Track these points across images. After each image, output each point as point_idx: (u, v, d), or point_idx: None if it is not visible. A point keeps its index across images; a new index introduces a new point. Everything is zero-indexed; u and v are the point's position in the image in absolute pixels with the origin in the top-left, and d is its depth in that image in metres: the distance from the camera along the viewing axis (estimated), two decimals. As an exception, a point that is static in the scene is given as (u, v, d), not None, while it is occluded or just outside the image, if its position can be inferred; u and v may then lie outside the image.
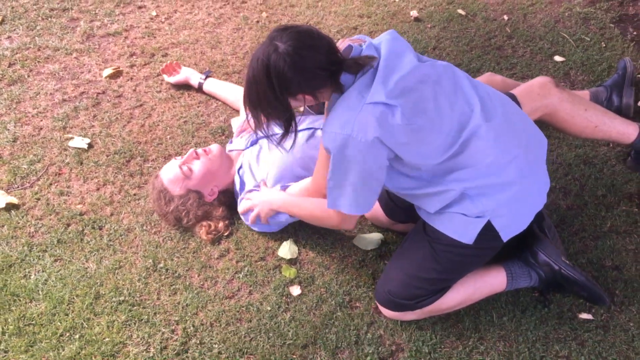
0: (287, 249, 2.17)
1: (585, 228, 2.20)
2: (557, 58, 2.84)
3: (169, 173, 2.22)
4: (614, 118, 2.18)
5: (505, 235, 1.77)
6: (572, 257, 2.10)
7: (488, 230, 1.74)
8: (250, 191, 2.23)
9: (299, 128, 2.27)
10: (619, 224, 2.20)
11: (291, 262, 2.15)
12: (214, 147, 2.31)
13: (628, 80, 2.49)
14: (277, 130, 1.78)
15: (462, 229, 1.76)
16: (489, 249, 1.86)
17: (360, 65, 1.64)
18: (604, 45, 2.87)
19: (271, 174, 2.20)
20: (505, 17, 3.09)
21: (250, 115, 1.71)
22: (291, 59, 1.55)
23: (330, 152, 1.68)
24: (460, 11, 3.15)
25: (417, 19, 3.13)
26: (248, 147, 2.34)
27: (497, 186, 1.72)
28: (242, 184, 2.28)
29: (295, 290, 2.06)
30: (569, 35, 2.95)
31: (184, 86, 2.83)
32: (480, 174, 1.71)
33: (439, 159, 1.68)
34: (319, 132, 2.25)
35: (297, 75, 1.57)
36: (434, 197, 1.75)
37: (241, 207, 2.22)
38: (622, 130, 2.18)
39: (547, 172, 1.85)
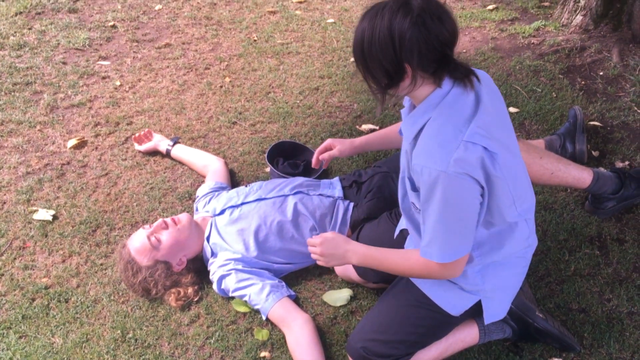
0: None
1: (550, 273, 2.24)
2: (512, 109, 2.95)
3: (137, 243, 2.19)
4: (568, 164, 2.25)
5: (488, 319, 1.80)
6: (539, 302, 2.13)
7: (475, 305, 1.77)
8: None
9: (267, 196, 2.31)
10: (582, 267, 2.25)
11: (263, 324, 2.13)
12: (183, 217, 2.27)
13: (579, 128, 2.60)
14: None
15: (453, 301, 1.76)
16: (469, 316, 1.89)
17: (467, 73, 1.50)
18: (555, 95, 3.00)
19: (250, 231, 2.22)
20: (460, 73, 3.21)
21: (359, 66, 1.58)
22: (426, 17, 1.38)
23: (418, 189, 1.54)
24: (416, 68, 3.26)
25: (376, 78, 3.22)
26: (217, 215, 2.35)
27: (500, 264, 1.73)
28: (213, 253, 2.27)
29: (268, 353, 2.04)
30: (521, 87, 3.08)
31: (151, 153, 2.85)
32: (502, 252, 1.70)
33: (510, 220, 1.62)
34: (290, 199, 2.28)
35: (418, 36, 1.39)
36: None
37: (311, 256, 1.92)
38: (577, 175, 2.25)
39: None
